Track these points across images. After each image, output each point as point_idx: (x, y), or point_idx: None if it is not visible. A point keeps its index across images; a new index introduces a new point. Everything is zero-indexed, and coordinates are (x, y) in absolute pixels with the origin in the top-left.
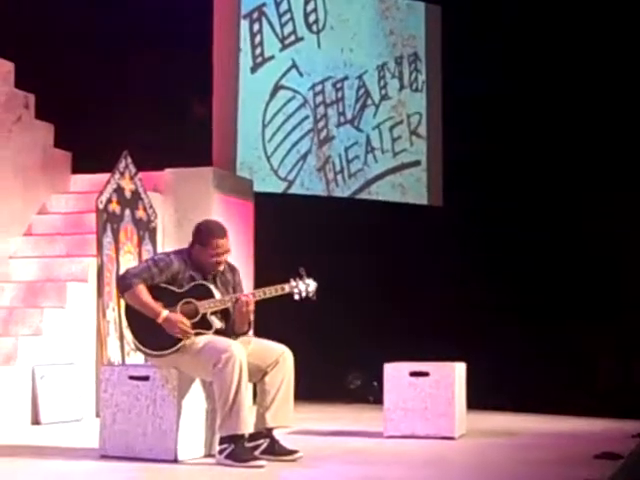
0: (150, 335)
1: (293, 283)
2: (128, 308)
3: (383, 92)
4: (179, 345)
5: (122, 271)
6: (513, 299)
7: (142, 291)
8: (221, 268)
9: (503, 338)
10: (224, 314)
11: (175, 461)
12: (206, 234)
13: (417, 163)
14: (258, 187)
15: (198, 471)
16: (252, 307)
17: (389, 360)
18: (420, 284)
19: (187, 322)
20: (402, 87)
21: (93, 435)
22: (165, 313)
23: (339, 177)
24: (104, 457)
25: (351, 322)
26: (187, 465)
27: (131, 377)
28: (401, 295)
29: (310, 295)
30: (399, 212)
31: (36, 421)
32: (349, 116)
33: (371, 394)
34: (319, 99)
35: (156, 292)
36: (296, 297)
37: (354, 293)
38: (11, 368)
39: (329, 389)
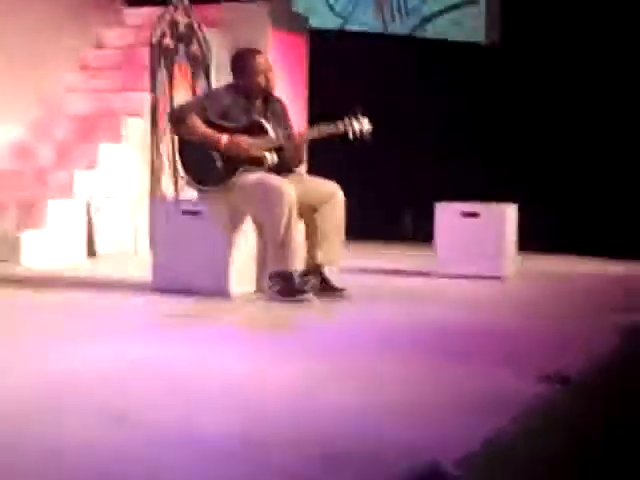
0: (202, 170)
1: (347, 121)
2: (181, 143)
3: None
4: (230, 180)
5: (176, 105)
6: (575, 141)
7: (196, 121)
8: (271, 88)
9: (561, 181)
10: (277, 151)
11: (226, 295)
12: (241, 59)
13: (476, 1)
14: (314, 23)
15: (248, 304)
16: (304, 143)
17: (441, 200)
18: (475, 125)
19: (251, 141)
20: None
21: (146, 267)
22: (226, 137)
23: (396, 14)
24: (156, 290)
25: (405, 162)
26: (238, 299)
27: (184, 211)
28: (456, 136)
29: (364, 134)
30: (456, 50)
31: (92, 252)
32: None
33: (422, 233)
34: None
35: (211, 129)
36: (350, 136)
37: (409, 133)
38: (67, 200)
39: (380, 228)
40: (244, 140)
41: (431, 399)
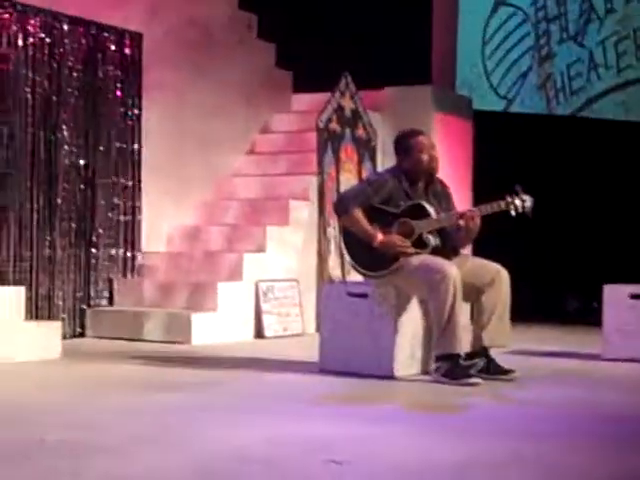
0: (366, 256)
1: (509, 199)
2: (345, 230)
3: (608, 5)
4: (394, 266)
5: (341, 191)
6: None
7: (358, 215)
8: (434, 168)
9: None
10: (440, 232)
11: (392, 377)
12: (404, 139)
13: None
14: (477, 105)
15: (414, 387)
16: (477, 223)
17: (608, 282)
18: None
19: (404, 241)
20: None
21: (313, 349)
22: (380, 237)
23: (560, 95)
24: (323, 371)
25: (570, 243)
26: (403, 381)
27: (350, 294)
28: (622, 215)
29: (526, 211)
30: (622, 130)
31: (259, 334)
32: (572, 32)
33: (591, 316)
34: (541, 15)
35: (373, 213)
36: (512, 213)
37: (573, 213)
38: (236, 283)
39: (546, 310)
40: (397, 240)
41: None
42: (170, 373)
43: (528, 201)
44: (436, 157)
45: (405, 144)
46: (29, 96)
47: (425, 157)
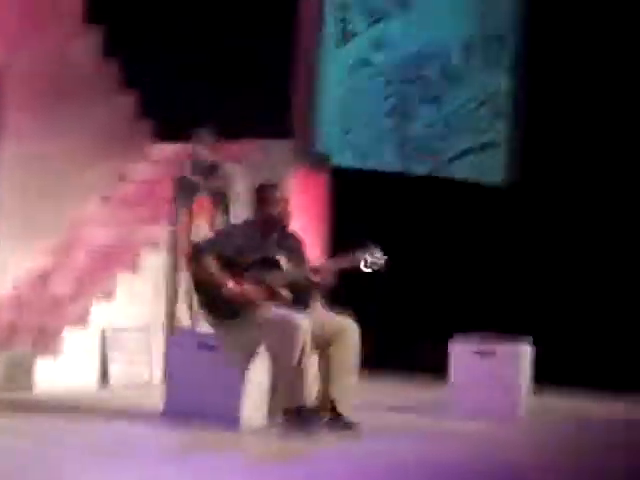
0: (217, 305)
1: (361, 254)
2: (196, 278)
3: (466, 70)
4: (244, 316)
5: (194, 241)
6: (591, 280)
7: (210, 262)
8: (286, 221)
9: (575, 316)
10: (291, 285)
11: (237, 427)
12: (259, 192)
13: (496, 144)
14: (336, 161)
15: (261, 439)
16: (330, 277)
17: (460, 331)
18: (493, 261)
19: (253, 291)
20: (487, 65)
21: (158, 398)
22: (230, 284)
23: (416, 154)
24: (169, 420)
25: (422, 295)
26: (249, 431)
27: (199, 345)
28: (474, 270)
29: (378, 267)
30: (475, 191)
31: (104, 381)
32: (432, 94)
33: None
34: (402, 76)
35: (225, 264)
36: (363, 268)
37: (428, 268)
38: (83, 330)
39: (397, 359)
40: (249, 289)
41: None
42: (11, 422)
43: (379, 257)
44: (288, 211)
45: (259, 196)
46: None
47: (276, 210)
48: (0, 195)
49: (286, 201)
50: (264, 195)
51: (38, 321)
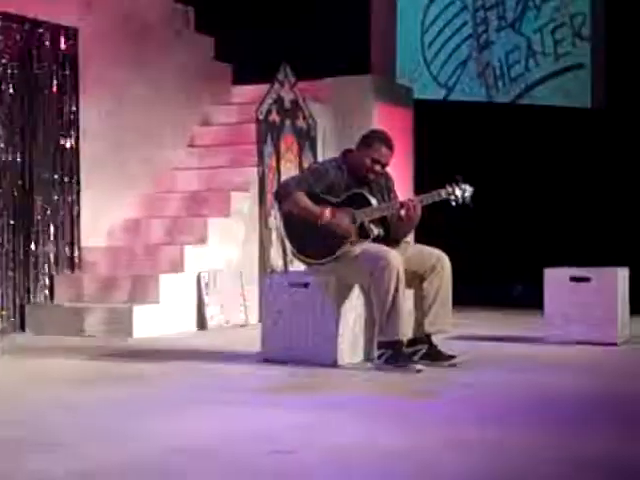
0: (308, 244)
1: (449, 189)
2: (287, 217)
3: None
4: (337, 253)
5: (282, 181)
6: None
7: (302, 196)
8: (372, 177)
9: None
10: (382, 221)
11: (334, 365)
12: (377, 139)
13: (580, 66)
14: (418, 94)
15: (357, 375)
16: (418, 212)
17: (551, 265)
18: (582, 189)
19: (347, 224)
20: None
21: (256, 340)
22: (327, 213)
23: (499, 82)
24: (266, 361)
25: (511, 228)
26: (346, 369)
27: (291, 284)
28: (562, 200)
29: (467, 201)
30: (561, 116)
31: (202, 325)
32: (510, 19)
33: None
34: (479, 3)
35: (315, 202)
36: (452, 203)
37: (514, 200)
38: (178, 275)
39: (488, 295)
40: (341, 219)
41: (552, 469)
42: (112, 367)
43: (468, 191)
44: (380, 173)
45: (372, 142)
46: None
47: (372, 167)
48: (87, 147)
49: (388, 164)
50: (373, 146)
51: (134, 270)
